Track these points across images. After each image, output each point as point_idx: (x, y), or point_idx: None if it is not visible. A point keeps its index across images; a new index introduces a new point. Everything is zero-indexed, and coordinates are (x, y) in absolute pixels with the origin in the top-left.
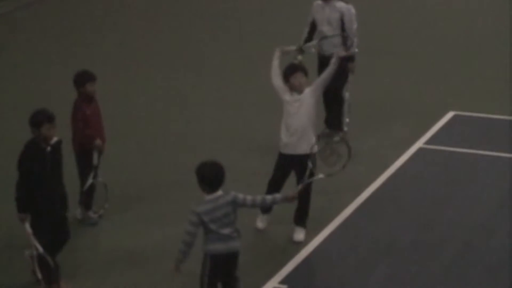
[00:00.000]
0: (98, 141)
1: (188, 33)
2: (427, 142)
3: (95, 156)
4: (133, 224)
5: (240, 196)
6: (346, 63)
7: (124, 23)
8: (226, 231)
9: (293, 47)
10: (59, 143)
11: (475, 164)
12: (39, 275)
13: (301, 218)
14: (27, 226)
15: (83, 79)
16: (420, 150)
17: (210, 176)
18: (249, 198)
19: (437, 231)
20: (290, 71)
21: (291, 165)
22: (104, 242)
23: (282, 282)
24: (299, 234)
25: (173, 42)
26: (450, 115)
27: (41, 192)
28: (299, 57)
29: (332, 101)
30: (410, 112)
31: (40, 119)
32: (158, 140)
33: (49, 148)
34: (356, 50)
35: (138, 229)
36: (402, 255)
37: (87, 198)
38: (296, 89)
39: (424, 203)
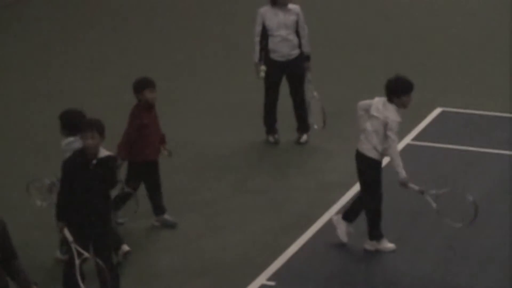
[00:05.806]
0: (120, 162)
1: (184, 32)
2: (415, 138)
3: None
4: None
5: None
6: (302, 63)
7: (121, 22)
8: None
9: (263, 68)
10: (108, 160)
11: (462, 160)
12: (82, 286)
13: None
14: (67, 233)
15: (141, 85)
16: (408, 146)
17: (72, 121)
18: None
19: (425, 226)
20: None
21: None
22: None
23: (270, 279)
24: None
25: (169, 41)
26: (437, 111)
27: (75, 205)
28: (263, 67)
29: (296, 104)
30: None
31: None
32: None
33: (94, 161)
34: (309, 49)
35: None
36: (391, 251)
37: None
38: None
39: (412, 199)
